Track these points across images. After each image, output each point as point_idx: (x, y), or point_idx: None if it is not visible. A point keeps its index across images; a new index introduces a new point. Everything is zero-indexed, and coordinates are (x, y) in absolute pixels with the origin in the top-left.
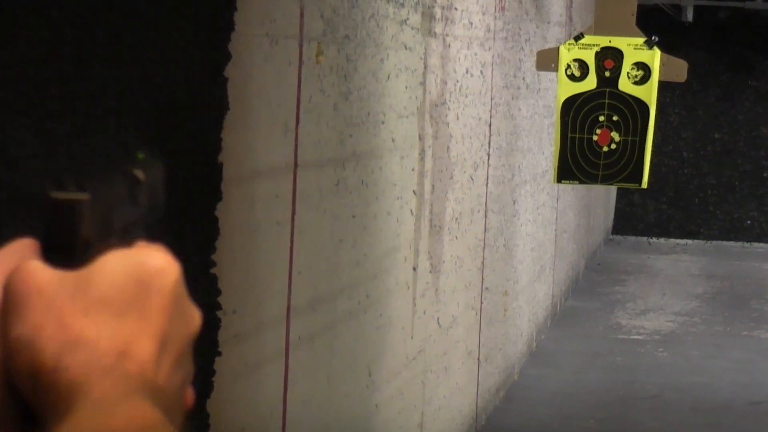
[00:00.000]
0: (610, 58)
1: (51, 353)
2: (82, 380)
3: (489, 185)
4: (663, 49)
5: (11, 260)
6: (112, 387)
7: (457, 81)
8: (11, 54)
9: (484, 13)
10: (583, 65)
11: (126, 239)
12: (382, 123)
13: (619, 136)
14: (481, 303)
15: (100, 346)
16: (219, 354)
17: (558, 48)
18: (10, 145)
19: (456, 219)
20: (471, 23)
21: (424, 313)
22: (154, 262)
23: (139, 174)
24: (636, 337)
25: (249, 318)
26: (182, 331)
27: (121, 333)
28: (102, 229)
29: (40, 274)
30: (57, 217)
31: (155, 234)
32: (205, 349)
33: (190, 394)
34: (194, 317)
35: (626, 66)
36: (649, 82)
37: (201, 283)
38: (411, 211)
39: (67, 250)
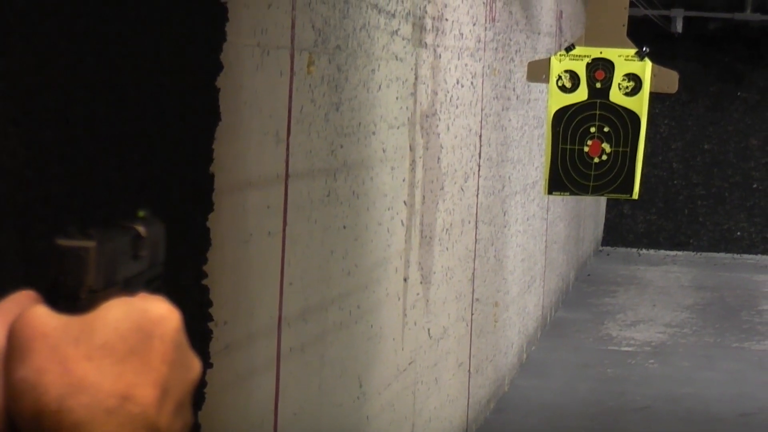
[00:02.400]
0: (601, 69)
1: (55, 395)
2: (86, 421)
3: (479, 196)
4: (653, 60)
5: (13, 310)
6: (115, 428)
7: (448, 91)
8: (4, 63)
9: (474, 24)
10: (574, 76)
11: (129, 290)
12: (373, 133)
13: (610, 147)
14: (472, 314)
15: (104, 389)
16: (210, 365)
17: (549, 59)
18: (2, 155)
19: (446, 230)
20: (461, 34)
21: (415, 324)
22: (156, 311)
23: (141, 230)
24: (626, 348)
25: (240, 329)
26: (183, 378)
27: (124, 378)
28: (106, 278)
29: (45, 319)
30: (63, 264)
31: (155, 289)
32: None
33: None
34: (194, 365)
35: (617, 77)
36: (640, 93)
37: (193, 294)
38: (402, 221)
39: (72, 297)
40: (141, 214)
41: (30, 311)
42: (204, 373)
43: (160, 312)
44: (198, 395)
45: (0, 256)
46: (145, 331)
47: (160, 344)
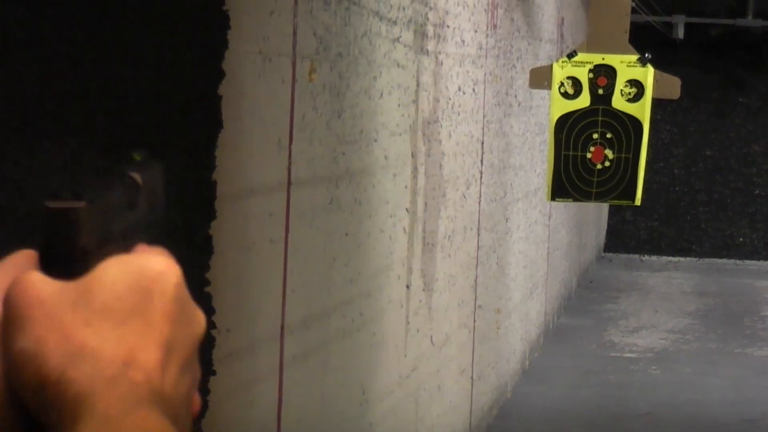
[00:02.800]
0: (604, 75)
1: (55, 365)
2: (88, 392)
3: (481, 203)
4: (655, 67)
5: (11, 272)
6: (118, 398)
7: (450, 98)
8: (6, 71)
9: (476, 31)
10: (576, 83)
11: (126, 244)
12: (375, 141)
13: (613, 153)
14: (474, 321)
15: (104, 357)
16: (213, 373)
17: (551, 65)
18: (5, 163)
19: (449, 237)
20: (463, 41)
21: (417, 331)
22: (154, 267)
23: (136, 176)
24: (629, 354)
25: (243, 336)
26: (187, 334)
27: (125, 342)
28: (100, 236)
29: (41, 285)
30: (53, 227)
31: (155, 235)
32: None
33: (197, 400)
34: (199, 319)
35: (619, 83)
36: (642, 99)
37: (195, 301)
38: (404, 228)
39: (66, 260)
40: (137, 157)
41: (24, 278)
42: (207, 380)
43: (158, 267)
44: (201, 402)
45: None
46: (144, 288)
47: (161, 301)
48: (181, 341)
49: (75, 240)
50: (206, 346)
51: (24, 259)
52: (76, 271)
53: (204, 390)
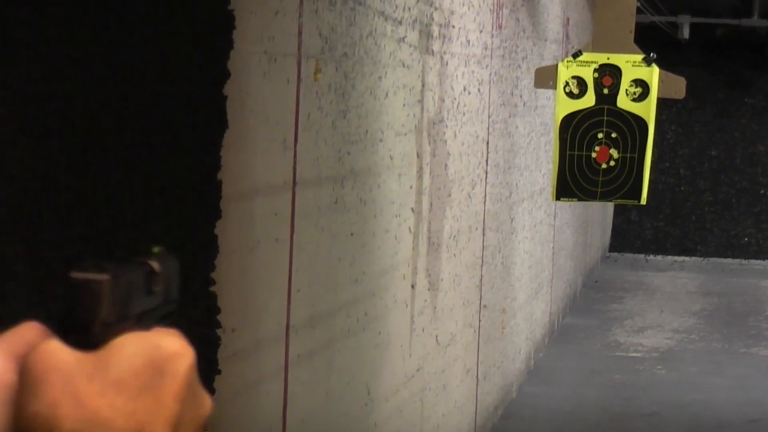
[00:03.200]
0: (609, 75)
1: (67, 431)
2: None
3: (487, 203)
4: (660, 67)
5: (19, 342)
6: None
7: (455, 99)
8: (9, 72)
9: (481, 31)
10: (581, 82)
11: (141, 326)
12: (380, 141)
13: (618, 153)
14: (479, 321)
15: (116, 427)
16: (219, 372)
17: (556, 65)
18: (9, 163)
19: (454, 237)
20: (468, 41)
21: (423, 330)
22: (169, 347)
23: (155, 265)
24: (634, 354)
25: (248, 336)
26: (194, 416)
27: (136, 415)
28: (119, 312)
29: (59, 353)
30: (76, 297)
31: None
32: (204, 368)
33: None
34: (206, 403)
35: (625, 83)
36: (647, 99)
37: (201, 301)
38: (409, 228)
39: (86, 331)
40: (155, 249)
41: (44, 345)
42: (212, 380)
43: (173, 348)
44: None
45: (6, 263)
46: (158, 367)
47: (173, 382)
48: (187, 422)
49: (96, 312)
50: (211, 345)
51: (31, 330)
52: (93, 342)
53: (209, 389)
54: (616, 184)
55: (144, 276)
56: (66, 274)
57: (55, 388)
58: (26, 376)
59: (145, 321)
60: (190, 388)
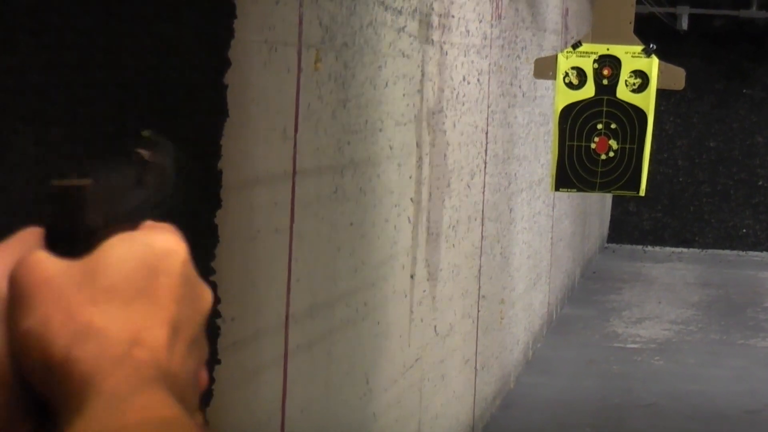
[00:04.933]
0: (608, 65)
1: (61, 345)
2: (94, 372)
3: (486, 193)
4: (659, 58)
5: (17, 251)
6: (125, 377)
7: (454, 89)
8: (12, 60)
9: (480, 21)
10: (581, 73)
11: (133, 221)
12: (380, 130)
13: (617, 144)
14: (478, 311)
15: (111, 336)
16: (218, 362)
17: (556, 56)
18: (11, 151)
19: (453, 227)
20: (468, 31)
21: (422, 321)
22: (161, 245)
23: (144, 153)
24: (632, 345)
25: (248, 325)
26: (194, 312)
27: (132, 321)
28: (107, 214)
29: (46, 264)
30: (59, 205)
31: (163, 213)
32: None
33: (204, 377)
34: (205, 296)
35: (624, 74)
36: (647, 90)
37: None
38: (408, 218)
39: (72, 238)
40: (146, 134)
41: (30, 257)
42: (212, 369)
43: (165, 245)
44: (206, 392)
45: None
46: (151, 267)
47: (167, 280)
48: (187, 319)
49: (81, 218)
50: (211, 336)
51: (30, 236)
52: (82, 249)
53: (209, 379)
54: (615, 175)
55: (133, 169)
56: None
57: (45, 302)
58: (15, 291)
59: (137, 215)
60: (187, 285)
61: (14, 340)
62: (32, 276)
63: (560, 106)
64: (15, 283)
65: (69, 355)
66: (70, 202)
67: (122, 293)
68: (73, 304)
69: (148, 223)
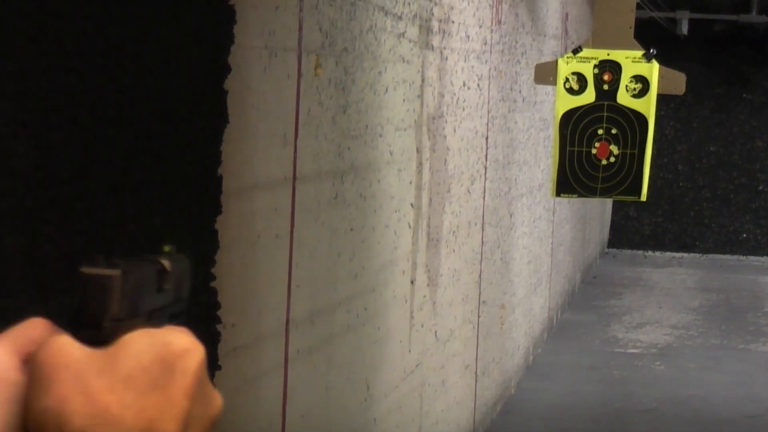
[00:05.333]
0: (609, 71)
1: (77, 427)
2: None
3: (486, 198)
4: (659, 62)
5: (25, 338)
6: None
7: (454, 94)
8: (12, 65)
9: (480, 26)
10: (581, 78)
11: (153, 323)
12: (380, 136)
13: (618, 149)
14: (479, 316)
15: (126, 423)
16: (219, 368)
17: (556, 61)
18: (10, 157)
19: (453, 232)
20: (468, 36)
21: (422, 326)
22: (179, 344)
23: (166, 263)
24: (632, 350)
25: (248, 331)
26: (204, 413)
27: (146, 412)
28: (130, 308)
29: (69, 348)
30: (87, 292)
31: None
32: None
33: None
34: (216, 401)
35: (625, 79)
36: (647, 95)
37: (201, 296)
38: (409, 224)
39: (96, 326)
40: (167, 248)
41: (53, 340)
42: (213, 375)
43: (183, 345)
44: None
45: (7, 257)
46: (168, 364)
47: (183, 378)
48: (197, 420)
49: (107, 306)
50: (212, 341)
51: (37, 326)
52: (103, 337)
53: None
54: (616, 180)
55: (155, 274)
56: (73, 268)
57: (65, 384)
58: (36, 372)
59: (155, 318)
60: (200, 386)
61: (30, 419)
62: (55, 358)
63: (561, 111)
64: (38, 363)
65: None
66: (98, 289)
67: (139, 385)
68: (92, 389)
69: (167, 326)
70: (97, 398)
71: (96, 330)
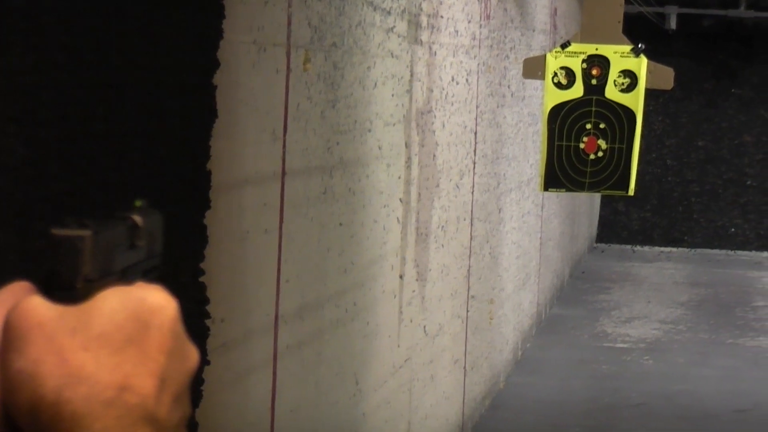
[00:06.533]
0: (597, 65)
1: (52, 387)
2: (84, 413)
3: (475, 193)
4: (648, 57)
5: (8, 301)
6: (115, 419)
7: (443, 89)
8: (2, 61)
9: (469, 21)
10: (569, 73)
11: (125, 280)
12: (369, 131)
13: (606, 143)
14: (467, 311)
15: (101, 380)
16: (208, 363)
17: (545, 56)
18: (1, 153)
19: (442, 227)
20: (457, 31)
21: (411, 321)
22: (153, 300)
23: (138, 219)
24: (621, 345)
25: (237, 326)
26: (181, 368)
27: (121, 368)
28: (102, 267)
29: (41, 309)
30: (58, 253)
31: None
32: None
33: None
34: (192, 356)
35: (613, 74)
36: (635, 89)
37: (190, 291)
38: (397, 219)
39: (68, 287)
40: (138, 203)
41: (26, 302)
42: (201, 370)
43: (156, 301)
44: (195, 393)
45: None
46: (142, 320)
47: (158, 334)
48: (174, 374)
49: (78, 267)
50: (200, 336)
51: (19, 289)
52: (76, 297)
53: (198, 380)
54: (604, 175)
55: (126, 231)
56: (48, 231)
57: (38, 345)
58: (9, 334)
59: (128, 276)
60: (176, 341)
61: (4, 380)
62: (27, 319)
63: (549, 106)
64: (9, 325)
65: (60, 396)
66: (69, 250)
67: (114, 341)
68: (65, 348)
69: (140, 283)
70: (70, 357)
71: (69, 291)
